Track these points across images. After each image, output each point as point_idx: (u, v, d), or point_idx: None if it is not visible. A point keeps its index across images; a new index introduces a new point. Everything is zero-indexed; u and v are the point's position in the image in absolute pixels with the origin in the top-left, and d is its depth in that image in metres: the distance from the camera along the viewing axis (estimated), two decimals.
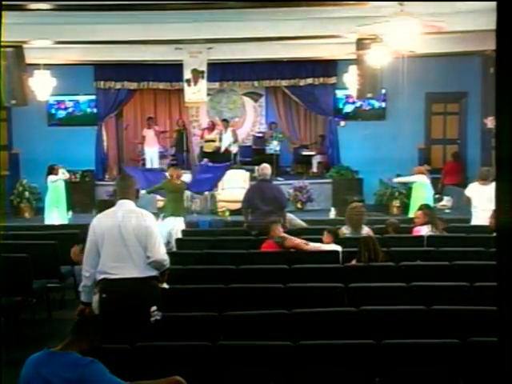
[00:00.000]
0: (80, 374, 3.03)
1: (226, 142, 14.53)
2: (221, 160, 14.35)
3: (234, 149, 14.55)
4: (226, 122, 14.87)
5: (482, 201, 8.36)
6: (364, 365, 4.00)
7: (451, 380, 4.01)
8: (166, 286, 5.17)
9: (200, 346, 4.06)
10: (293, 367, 3.98)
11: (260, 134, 15.37)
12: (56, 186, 11.25)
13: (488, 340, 3.75)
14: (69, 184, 12.25)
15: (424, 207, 8.03)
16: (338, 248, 6.69)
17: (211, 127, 14.90)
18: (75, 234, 8.12)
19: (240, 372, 3.94)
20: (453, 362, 4.00)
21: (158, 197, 11.66)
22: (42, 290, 7.15)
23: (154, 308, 4.53)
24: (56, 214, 11.04)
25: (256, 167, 12.49)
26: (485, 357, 3.60)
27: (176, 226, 9.10)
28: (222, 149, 14.48)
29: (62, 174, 11.40)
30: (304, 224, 8.59)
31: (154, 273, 4.63)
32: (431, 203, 9.94)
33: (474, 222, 8.73)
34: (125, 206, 4.74)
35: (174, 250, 7.82)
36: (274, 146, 14.40)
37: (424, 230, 7.60)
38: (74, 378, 3.03)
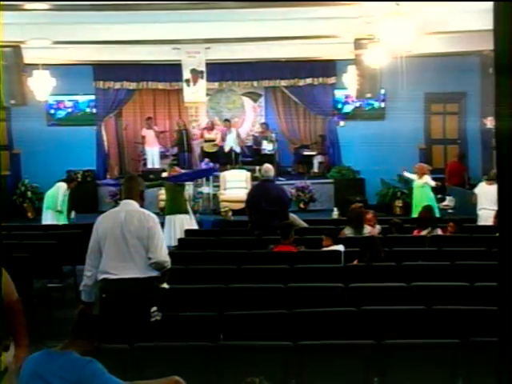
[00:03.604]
0: (78, 374, 3.03)
1: (231, 142, 14.55)
2: (222, 160, 14.40)
3: (237, 149, 14.61)
4: (227, 121, 14.88)
5: (487, 200, 8.47)
6: (364, 365, 4.00)
7: (451, 380, 4.01)
8: (166, 285, 5.17)
9: (200, 345, 4.07)
10: (293, 367, 3.98)
11: (256, 134, 15.39)
12: (57, 191, 11.11)
13: (488, 340, 3.75)
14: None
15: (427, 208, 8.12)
16: (341, 248, 6.70)
17: (210, 127, 14.91)
18: (76, 234, 8.18)
19: (240, 372, 3.94)
20: (453, 361, 4.00)
21: (161, 197, 11.73)
22: (43, 289, 7.16)
23: (154, 308, 4.53)
24: (52, 215, 10.93)
25: (257, 167, 12.54)
26: (485, 357, 3.60)
27: (178, 224, 9.23)
28: (227, 149, 14.48)
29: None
30: (305, 224, 8.59)
31: (155, 273, 4.63)
32: (434, 203, 9.98)
33: (479, 220, 8.83)
34: (128, 206, 4.74)
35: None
36: (265, 146, 14.42)
37: (424, 233, 7.62)
38: (73, 378, 3.02)
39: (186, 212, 9.73)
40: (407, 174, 11.26)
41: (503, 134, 1.93)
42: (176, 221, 9.38)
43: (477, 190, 9.25)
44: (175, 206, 9.65)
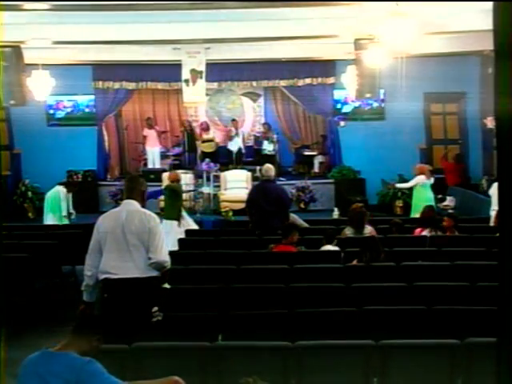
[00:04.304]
0: (77, 374, 3.02)
1: (239, 141, 14.63)
2: (222, 160, 14.40)
3: (243, 149, 14.74)
4: (235, 121, 14.95)
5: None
6: (363, 365, 4.00)
7: (451, 380, 4.01)
8: (167, 285, 5.18)
9: (199, 345, 4.06)
10: (293, 367, 3.98)
11: (258, 134, 15.40)
12: (57, 194, 11.06)
13: (488, 340, 3.75)
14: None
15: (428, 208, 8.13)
16: (335, 249, 6.70)
17: (205, 127, 14.93)
18: (76, 234, 8.19)
19: (239, 372, 3.93)
20: (453, 362, 3.99)
21: (161, 197, 11.74)
22: (43, 289, 7.16)
23: (155, 308, 4.54)
24: (53, 218, 10.89)
25: (258, 167, 12.54)
26: (485, 357, 3.60)
27: (172, 231, 9.10)
28: (235, 149, 14.53)
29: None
30: (306, 224, 8.60)
31: (156, 273, 4.63)
32: (433, 203, 10.01)
33: (491, 220, 8.90)
34: (129, 206, 4.75)
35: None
36: (266, 147, 14.42)
37: (424, 233, 7.62)
38: (72, 378, 3.02)
39: (177, 218, 9.62)
40: (399, 186, 11.60)
41: (504, 134, 1.93)
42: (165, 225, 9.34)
43: (491, 192, 9.41)
44: (166, 210, 9.67)
